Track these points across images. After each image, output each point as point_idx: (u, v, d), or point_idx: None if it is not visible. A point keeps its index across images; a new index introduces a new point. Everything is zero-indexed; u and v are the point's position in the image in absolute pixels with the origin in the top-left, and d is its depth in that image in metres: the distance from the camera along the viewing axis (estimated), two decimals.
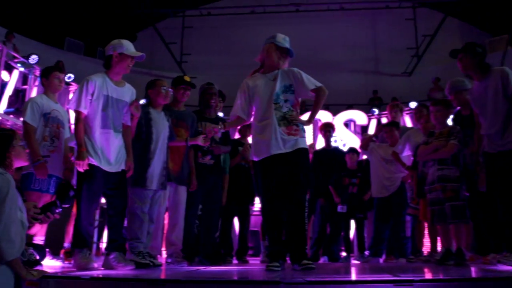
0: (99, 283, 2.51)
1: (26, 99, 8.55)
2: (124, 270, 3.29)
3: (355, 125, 11.18)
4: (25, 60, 8.72)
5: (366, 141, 5.82)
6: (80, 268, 3.25)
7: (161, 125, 4.12)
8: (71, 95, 8.78)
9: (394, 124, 5.64)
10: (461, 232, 4.00)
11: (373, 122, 11.16)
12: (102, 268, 3.42)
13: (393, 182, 5.50)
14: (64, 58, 12.08)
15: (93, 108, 3.57)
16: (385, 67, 14.95)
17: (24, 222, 2.37)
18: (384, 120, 10.99)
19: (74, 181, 3.85)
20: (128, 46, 3.66)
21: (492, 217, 3.99)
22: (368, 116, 11.20)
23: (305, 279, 2.34)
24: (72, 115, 4.09)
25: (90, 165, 3.45)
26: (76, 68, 10.67)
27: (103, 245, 6.76)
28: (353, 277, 3.12)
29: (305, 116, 3.79)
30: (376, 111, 11.28)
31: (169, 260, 4.21)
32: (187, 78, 4.58)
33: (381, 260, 5.66)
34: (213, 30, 15.17)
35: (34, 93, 8.74)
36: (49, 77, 4.21)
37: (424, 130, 4.88)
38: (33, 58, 8.72)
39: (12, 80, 8.65)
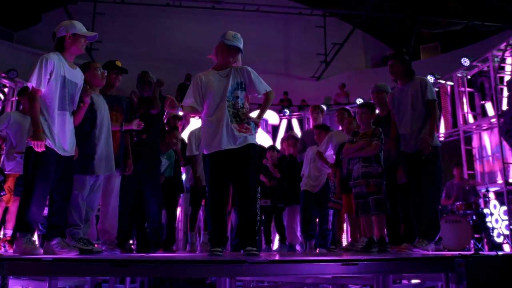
0: (61, 264, 2.48)
1: None
2: (70, 255, 3.24)
3: (266, 124, 11.54)
4: None
5: None
6: (23, 254, 3.12)
7: (103, 109, 4.05)
8: None
9: (323, 127, 6.05)
10: (383, 222, 4.45)
11: (284, 122, 11.65)
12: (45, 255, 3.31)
13: (320, 179, 5.89)
14: None
15: (51, 88, 3.39)
16: (295, 70, 15.59)
17: None
18: (294, 121, 11.60)
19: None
20: (79, 27, 3.56)
21: (407, 209, 4.49)
22: (280, 116, 11.65)
23: (268, 259, 2.54)
24: None
25: (45, 147, 3.31)
26: None
27: None
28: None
29: (252, 114, 3.90)
30: (287, 111, 11.77)
31: (103, 248, 4.16)
32: (118, 63, 4.53)
33: (298, 249, 6.04)
34: (125, 19, 14.82)
35: None
36: None
37: (347, 130, 5.31)
38: None
39: None
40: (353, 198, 4.64)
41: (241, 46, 3.71)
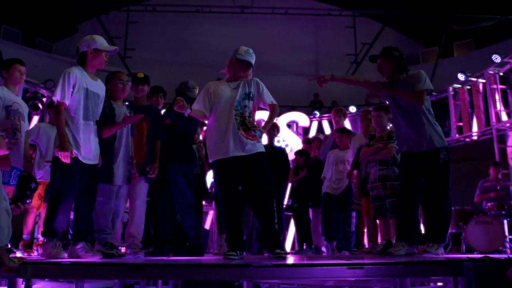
0: (79, 267, 2.64)
1: None
2: (93, 259, 3.42)
3: (297, 126, 11.60)
4: None
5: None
6: (49, 257, 3.33)
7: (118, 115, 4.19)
8: None
9: (344, 130, 6.09)
10: None
11: (315, 124, 11.65)
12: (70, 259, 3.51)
13: (342, 182, 5.92)
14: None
15: (75, 100, 3.60)
16: (325, 71, 15.28)
17: (9, 210, 2.46)
18: (325, 123, 11.58)
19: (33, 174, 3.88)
20: (101, 41, 3.76)
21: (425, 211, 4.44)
22: (310, 118, 11.65)
23: (272, 262, 2.62)
24: None
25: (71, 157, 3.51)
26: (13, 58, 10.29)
27: None
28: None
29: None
30: (318, 113, 11.75)
31: (128, 252, 4.35)
32: (140, 75, 4.69)
33: (324, 251, 6.09)
34: (157, 26, 15.12)
35: None
36: (9, 69, 4.20)
37: (364, 133, 5.33)
38: None
39: None
40: (371, 201, 4.67)
41: (253, 61, 3.84)
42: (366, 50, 14.46)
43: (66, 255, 3.47)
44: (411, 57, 14.89)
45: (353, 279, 3.51)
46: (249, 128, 3.67)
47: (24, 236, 4.67)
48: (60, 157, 3.47)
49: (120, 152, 4.13)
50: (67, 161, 3.47)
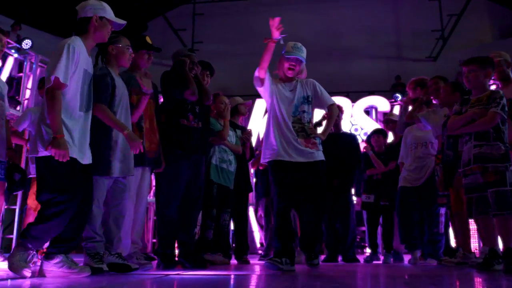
0: None
1: (22, 87, 8.02)
2: (78, 277, 2.60)
3: (376, 112, 10.43)
4: (18, 45, 8.11)
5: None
6: (11, 270, 2.57)
7: (124, 93, 3.33)
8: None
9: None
10: (510, 226, 3.16)
11: (396, 109, 10.31)
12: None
13: (425, 170, 4.70)
14: None
15: (73, 84, 2.82)
16: (408, 52, 14.10)
17: None
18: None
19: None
20: (109, 11, 2.99)
21: None
22: (391, 102, 10.39)
23: None
24: None
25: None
26: None
27: None
28: None
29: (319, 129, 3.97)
30: (400, 96, 10.40)
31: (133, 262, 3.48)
32: (148, 40, 3.77)
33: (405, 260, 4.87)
34: (224, 17, 14.55)
35: (30, 82, 8.14)
36: None
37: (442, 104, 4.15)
38: (26, 43, 8.09)
39: (6, 67, 8.06)
40: (463, 192, 3.40)
41: (303, 55, 3.64)
42: (454, 22, 12.83)
43: (27, 273, 2.67)
44: (508, 29, 13.09)
45: None
46: (309, 135, 3.58)
47: None
48: (54, 156, 2.66)
49: (120, 136, 3.20)
50: (65, 160, 2.68)
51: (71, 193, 2.72)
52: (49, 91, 2.73)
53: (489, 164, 3.20)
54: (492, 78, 3.66)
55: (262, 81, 3.57)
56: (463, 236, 3.91)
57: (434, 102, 4.74)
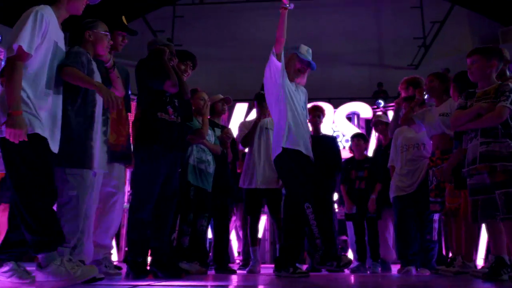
0: None
1: None
2: None
3: (358, 118, 10.32)
4: None
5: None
6: None
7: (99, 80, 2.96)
8: None
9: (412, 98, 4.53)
10: None
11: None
12: None
13: (416, 174, 4.40)
14: None
15: (39, 56, 2.49)
16: (390, 59, 14.05)
17: None
18: (390, 113, 10.01)
19: None
20: None
21: None
22: (373, 108, 10.25)
23: None
24: None
25: (35, 135, 2.40)
26: None
27: None
28: None
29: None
30: (382, 103, 10.31)
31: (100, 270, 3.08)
32: (124, 20, 3.46)
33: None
34: (205, 20, 14.25)
35: None
36: None
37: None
38: None
39: None
40: (468, 193, 3.12)
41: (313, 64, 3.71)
42: (436, 30, 12.82)
43: None
44: (488, 38, 13.12)
45: None
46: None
47: None
48: (7, 136, 2.30)
49: (98, 123, 2.88)
50: (17, 141, 2.33)
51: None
52: (11, 61, 2.39)
53: (498, 163, 2.90)
54: None
55: (279, 57, 3.54)
56: (466, 243, 3.60)
57: (426, 101, 4.48)
